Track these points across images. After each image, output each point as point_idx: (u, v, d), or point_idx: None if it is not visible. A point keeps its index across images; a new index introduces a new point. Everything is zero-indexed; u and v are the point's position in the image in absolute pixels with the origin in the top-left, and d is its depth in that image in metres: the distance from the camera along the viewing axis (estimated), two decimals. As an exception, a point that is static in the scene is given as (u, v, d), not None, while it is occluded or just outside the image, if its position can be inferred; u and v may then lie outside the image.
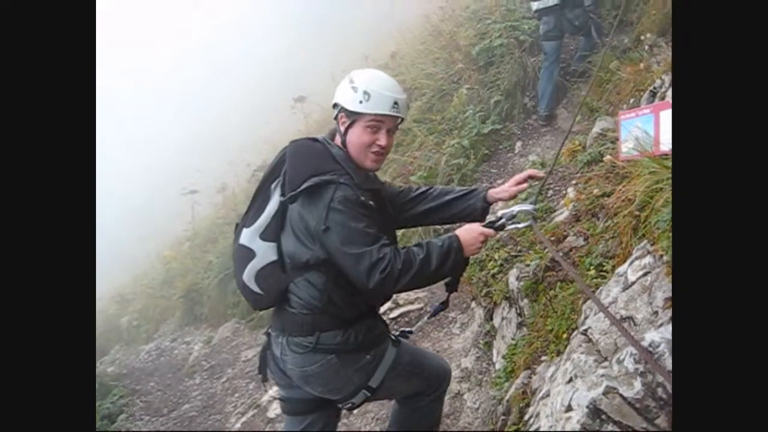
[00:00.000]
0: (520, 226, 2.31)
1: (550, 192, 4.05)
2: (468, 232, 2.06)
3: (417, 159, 5.78)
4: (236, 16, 19.09)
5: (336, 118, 2.11)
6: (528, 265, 3.26)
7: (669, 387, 1.50)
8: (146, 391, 6.13)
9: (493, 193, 2.38)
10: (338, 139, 2.11)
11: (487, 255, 3.79)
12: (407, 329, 2.50)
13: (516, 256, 3.59)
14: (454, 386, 3.37)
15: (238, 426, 4.47)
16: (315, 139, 2.14)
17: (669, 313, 1.71)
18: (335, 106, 2.10)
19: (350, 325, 2.06)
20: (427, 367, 2.35)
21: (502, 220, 2.25)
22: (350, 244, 1.87)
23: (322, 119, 9.49)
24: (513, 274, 3.34)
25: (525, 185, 2.38)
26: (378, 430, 3.50)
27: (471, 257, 2.23)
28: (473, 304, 4.03)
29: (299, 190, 1.92)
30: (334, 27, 13.19)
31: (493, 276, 3.68)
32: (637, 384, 1.56)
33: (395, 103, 2.03)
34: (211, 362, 6.21)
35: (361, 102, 2.00)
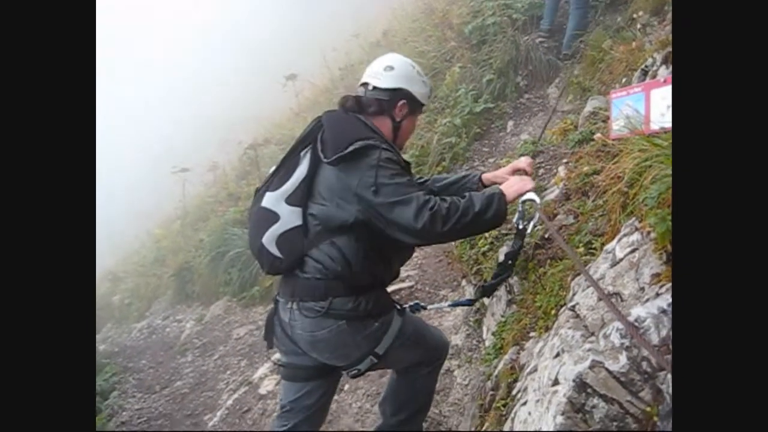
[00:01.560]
0: (535, 222, 2.53)
1: (542, 171, 4.06)
2: (507, 184, 2.29)
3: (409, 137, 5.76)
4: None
5: (392, 101, 2.27)
6: (518, 243, 3.27)
7: (654, 361, 1.53)
8: (138, 368, 6.14)
9: (490, 176, 2.53)
10: (386, 123, 2.28)
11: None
12: (422, 303, 2.62)
13: (506, 234, 3.60)
14: (444, 363, 3.41)
15: (230, 403, 4.50)
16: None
17: (655, 288, 1.74)
18: (397, 90, 2.26)
19: (361, 293, 2.11)
20: (429, 338, 2.45)
21: (520, 225, 2.49)
22: (399, 195, 1.95)
23: (313, 96, 9.40)
24: (503, 251, 3.36)
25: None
26: (369, 406, 3.54)
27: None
28: (464, 282, 4.05)
29: (347, 151, 1.98)
30: (325, 4, 13.03)
31: (483, 254, 3.70)
32: (623, 358, 1.58)
33: None
34: (202, 340, 6.22)
35: (428, 97, 2.43)
